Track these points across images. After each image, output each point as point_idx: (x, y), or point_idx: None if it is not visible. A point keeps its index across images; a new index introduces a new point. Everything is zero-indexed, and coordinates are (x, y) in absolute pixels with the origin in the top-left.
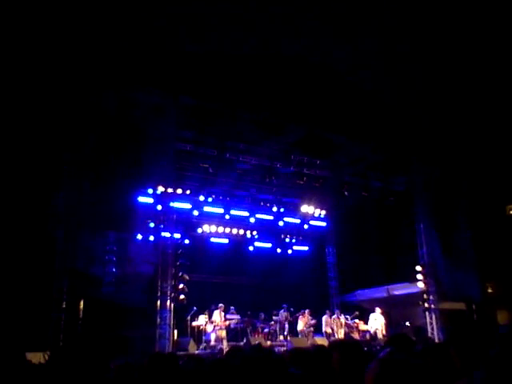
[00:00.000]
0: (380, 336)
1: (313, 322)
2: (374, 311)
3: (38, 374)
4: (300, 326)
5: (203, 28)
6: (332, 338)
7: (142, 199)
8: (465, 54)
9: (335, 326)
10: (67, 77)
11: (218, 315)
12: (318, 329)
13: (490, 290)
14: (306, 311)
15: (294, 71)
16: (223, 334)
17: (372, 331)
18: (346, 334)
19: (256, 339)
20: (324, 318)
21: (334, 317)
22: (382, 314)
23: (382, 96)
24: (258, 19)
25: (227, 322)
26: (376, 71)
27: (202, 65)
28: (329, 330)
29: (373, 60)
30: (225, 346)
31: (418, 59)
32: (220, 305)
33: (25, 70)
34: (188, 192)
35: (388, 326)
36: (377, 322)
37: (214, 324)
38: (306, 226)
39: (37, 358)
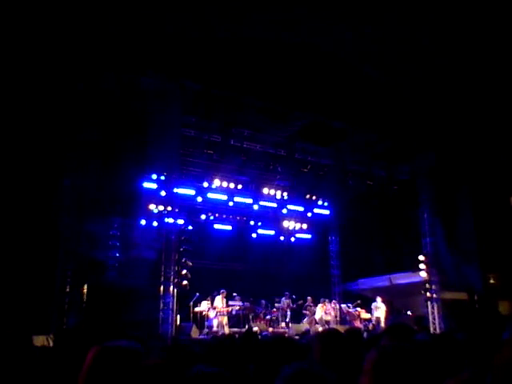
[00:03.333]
0: (382, 325)
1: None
2: (375, 300)
3: (43, 357)
4: (318, 314)
5: (209, 13)
6: (331, 326)
7: (146, 185)
8: (471, 44)
9: (331, 313)
10: (71, 61)
11: (220, 301)
12: None
13: (492, 281)
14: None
15: (300, 58)
16: (225, 320)
17: (374, 320)
18: (338, 321)
19: (258, 326)
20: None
21: (330, 305)
22: (384, 302)
23: (388, 84)
24: (265, 5)
25: (229, 308)
26: (382, 59)
27: (207, 50)
28: (328, 318)
29: (379, 48)
30: (226, 331)
31: (423, 47)
32: (222, 291)
33: (27, 54)
34: (192, 178)
35: (389, 314)
36: (378, 311)
37: (217, 310)
38: (309, 214)
39: (40, 341)
